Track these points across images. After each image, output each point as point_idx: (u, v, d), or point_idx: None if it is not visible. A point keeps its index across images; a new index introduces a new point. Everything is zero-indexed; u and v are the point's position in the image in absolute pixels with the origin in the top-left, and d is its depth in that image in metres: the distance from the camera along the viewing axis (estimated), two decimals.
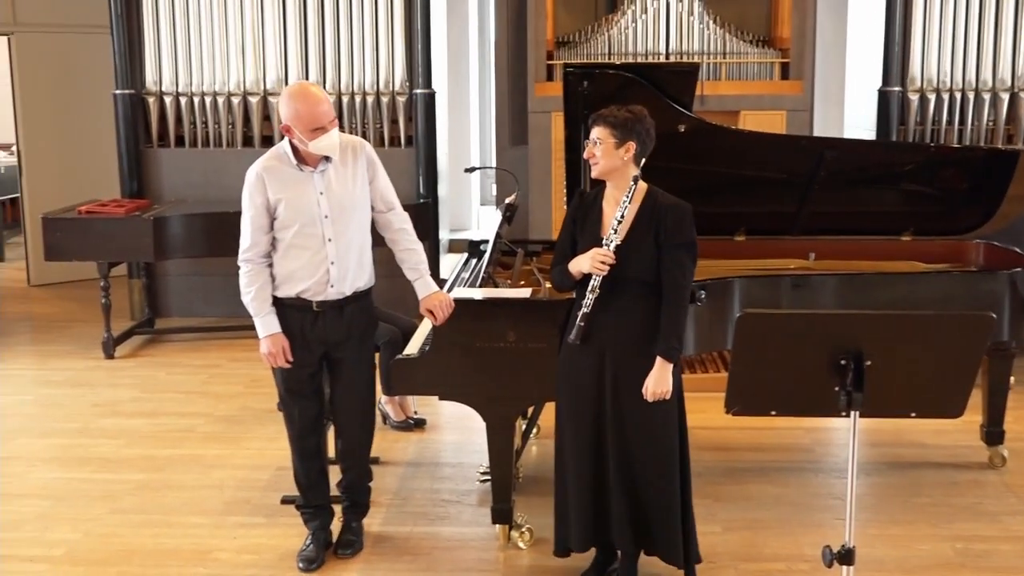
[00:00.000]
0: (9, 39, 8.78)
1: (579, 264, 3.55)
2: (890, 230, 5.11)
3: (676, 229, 3.48)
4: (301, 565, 4.02)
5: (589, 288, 3.51)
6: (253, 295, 3.85)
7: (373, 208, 3.97)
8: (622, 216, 3.48)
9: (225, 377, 6.44)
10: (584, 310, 3.51)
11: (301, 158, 3.82)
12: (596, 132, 3.52)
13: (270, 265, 3.86)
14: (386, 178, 3.99)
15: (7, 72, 8.90)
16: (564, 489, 3.72)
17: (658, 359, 3.48)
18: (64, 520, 4.45)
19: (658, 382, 3.48)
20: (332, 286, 3.85)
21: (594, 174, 3.56)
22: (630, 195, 3.49)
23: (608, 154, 3.49)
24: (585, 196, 3.68)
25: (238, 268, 3.87)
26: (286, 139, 3.84)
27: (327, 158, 3.82)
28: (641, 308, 3.52)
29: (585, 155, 3.57)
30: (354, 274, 3.89)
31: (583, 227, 3.62)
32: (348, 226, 3.85)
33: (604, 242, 3.50)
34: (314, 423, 4.06)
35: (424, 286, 3.95)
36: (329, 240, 3.81)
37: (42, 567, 4.05)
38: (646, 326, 3.51)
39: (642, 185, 3.56)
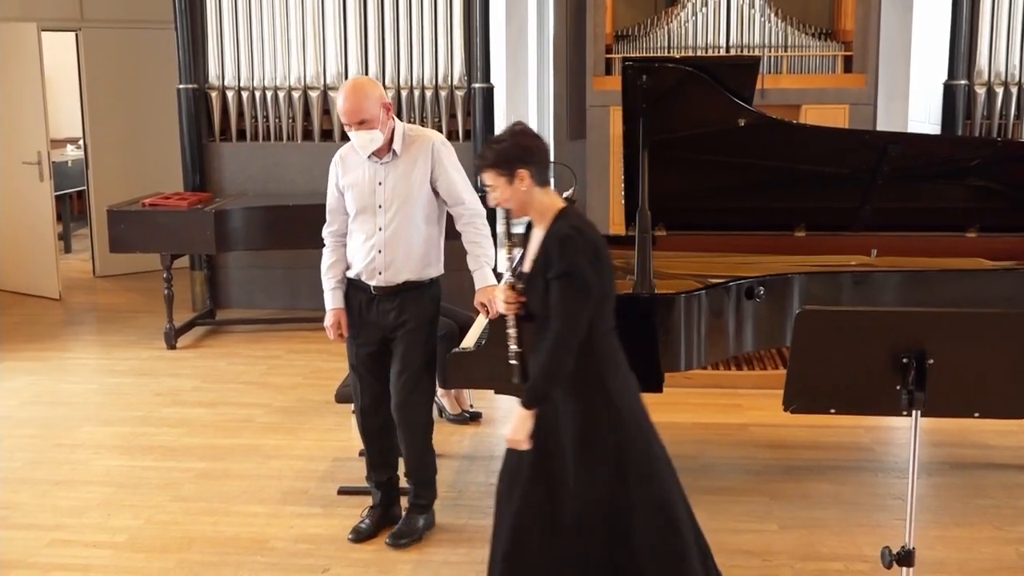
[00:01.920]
0: (77, 35, 8.94)
1: None
2: (955, 226, 5.01)
3: (553, 258, 3.05)
4: (351, 536, 4.19)
5: (507, 327, 3.29)
6: (324, 270, 4.11)
7: (447, 202, 4.06)
8: (508, 254, 3.27)
9: (284, 368, 6.51)
10: (512, 348, 3.24)
11: None
12: (486, 178, 3.20)
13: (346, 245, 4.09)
14: (455, 173, 4.04)
15: (75, 67, 9.07)
16: None
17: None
18: (126, 507, 4.53)
19: (513, 428, 3.10)
20: (380, 273, 3.98)
21: (514, 217, 3.26)
22: (506, 229, 3.24)
23: (508, 194, 3.16)
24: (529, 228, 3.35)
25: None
26: None
27: (393, 151, 3.96)
28: None
29: (491, 205, 3.26)
30: (403, 265, 3.98)
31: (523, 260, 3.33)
32: (397, 217, 3.95)
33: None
34: (374, 404, 4.15)
35: (481, 278, 4.01)
36: (380, 229, 3.95)
37: (105, 552, 4.13)
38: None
39: (553, 208, 3.16)
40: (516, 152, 3.14)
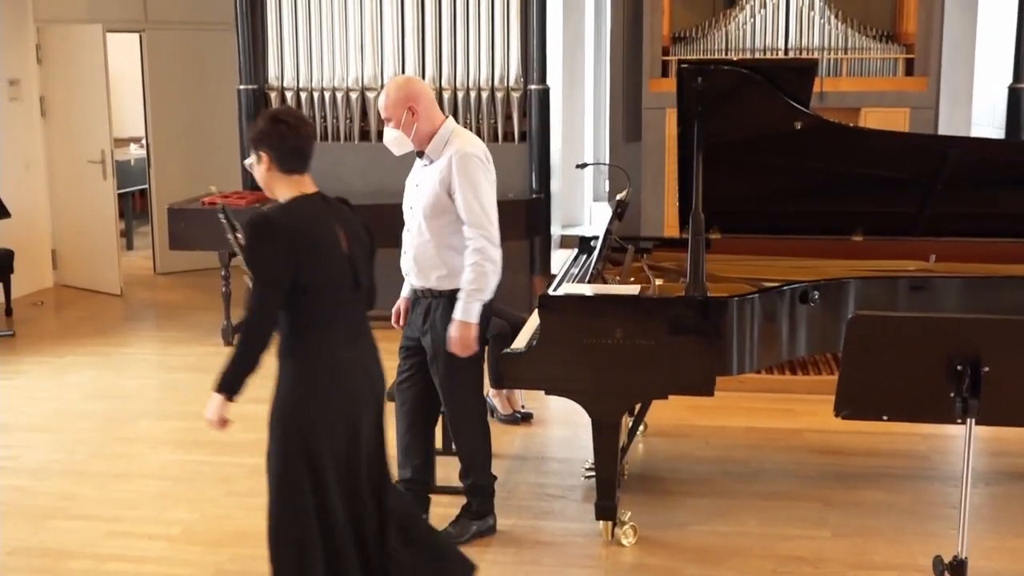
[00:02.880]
0: (140, 36, 9.11)
1: None
2: (1017, 232, 4.92)
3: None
4: None
5: None
6: None
7: None
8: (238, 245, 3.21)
9: None
10: None
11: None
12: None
13: None
14: (467, 188, 3.82)
15: (138, 68, 9.24)
16: None
17: None
18: (181, 500, 4.60)
19: (207, 408, 3.14)
20: (407, 274, 4.03)
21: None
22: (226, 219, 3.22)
23: (257, 173, 3.17)
24: None
25: None
26: None
27: (429, 155, 3.96)
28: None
29: None
30: (418, 272, 3.96)
31: None
32: (414, 221, 3.97)
33: None
34: (406, 397, 4.15)
35: (457, 308, 3.86)
36: (408, 230, 4.00)
37: (160, 545, 4.20)
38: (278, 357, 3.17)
39: (286, 196, 3.13)
40: (260, 135, 3.13)
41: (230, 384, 3.09)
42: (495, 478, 4.25)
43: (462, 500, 4.23)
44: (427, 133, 3.90)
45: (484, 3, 7.52)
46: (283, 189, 3.14)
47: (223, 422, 3.14)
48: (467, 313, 3.84)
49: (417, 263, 3.95)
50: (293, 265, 3.00)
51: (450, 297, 3.90)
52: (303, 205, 3.11)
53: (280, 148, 3.10)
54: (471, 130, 7.53)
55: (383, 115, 3.93)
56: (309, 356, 3.13)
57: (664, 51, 7.51)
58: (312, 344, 3.12)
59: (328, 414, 3.13)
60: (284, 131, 3.10)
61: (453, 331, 3.85)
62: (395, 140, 3.93)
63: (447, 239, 3.90)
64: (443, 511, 4.31)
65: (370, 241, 3.27)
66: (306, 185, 3.16)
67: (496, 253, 3.86)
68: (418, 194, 3.95)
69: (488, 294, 3.87)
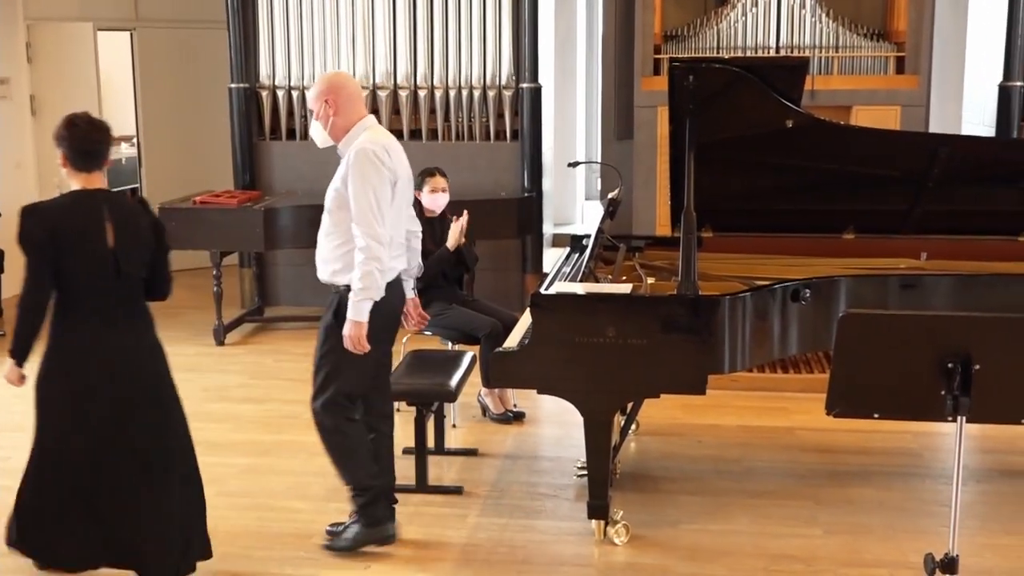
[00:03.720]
0: (131, 34, 9.08)
1: None
2: (1008, 230, 4.94)
3: None
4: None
5: None
6: None
7: None
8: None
9: None
10: None
11: None
12: None
13: None
14: (356, 187, 3.78)
15: (129, 66, 9.22)
16: None
17: None
18: None
19: None
20: (319, 273, 3.99)
21: None
22: None
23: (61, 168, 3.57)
24: None
25: None
26: None
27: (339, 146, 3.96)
28: None
29: None
30: (320, 263, 3.97)
31: None
32: (324, 219, 3.95)
33: None
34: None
35: (349, 309, 3.82)
36: (321, 228, 3.98)
37: None
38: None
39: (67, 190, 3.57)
40: (57, 136, 3.51)
41: (16, 351, 3.54)
42: (373, 479, 4.08)
43: (456, 499, 4.23)
44: (342, 128, 3.89)
45: (476, 1, 7.51)
46: (74, 184, 3.55)
47: (17, 380, 3.61)
48: (357, 312, 3.78)
49: (320, 256, 3.96)
50: (50, 248, 3.44)
51: (343, 292, 3.87)
52: (74, 198, 3.53)
53: (71, 148, 3.50)
54: (463, 129, 7.58)
55: (311, 107, 3.94)
56: (56, 338, 3.55)
57: (656, 49, 7.52)
58: (61, 327, 3.54)
59: (55, 395, 3.56)
60: (76, 134, 3.49)
61: (346, 330, 3.80)
62: (317, 133, 3.96)
63: (337, 234, 3.89)
64: (436, 511, 4.32)
65: (155, 238, 3.70)
66: (93, 182, 3.55)
67: (381, 251, 3.76)
68: (328, 189, 3.95)
69: (377, 293, 3.79)
